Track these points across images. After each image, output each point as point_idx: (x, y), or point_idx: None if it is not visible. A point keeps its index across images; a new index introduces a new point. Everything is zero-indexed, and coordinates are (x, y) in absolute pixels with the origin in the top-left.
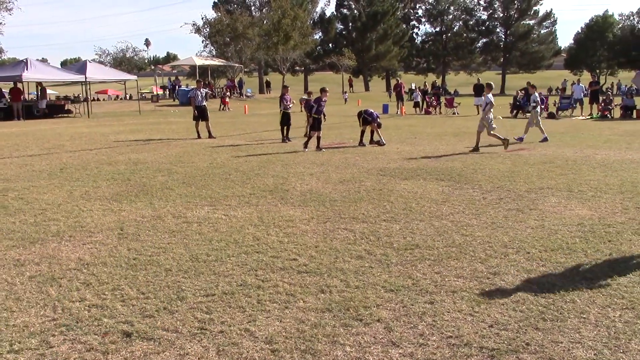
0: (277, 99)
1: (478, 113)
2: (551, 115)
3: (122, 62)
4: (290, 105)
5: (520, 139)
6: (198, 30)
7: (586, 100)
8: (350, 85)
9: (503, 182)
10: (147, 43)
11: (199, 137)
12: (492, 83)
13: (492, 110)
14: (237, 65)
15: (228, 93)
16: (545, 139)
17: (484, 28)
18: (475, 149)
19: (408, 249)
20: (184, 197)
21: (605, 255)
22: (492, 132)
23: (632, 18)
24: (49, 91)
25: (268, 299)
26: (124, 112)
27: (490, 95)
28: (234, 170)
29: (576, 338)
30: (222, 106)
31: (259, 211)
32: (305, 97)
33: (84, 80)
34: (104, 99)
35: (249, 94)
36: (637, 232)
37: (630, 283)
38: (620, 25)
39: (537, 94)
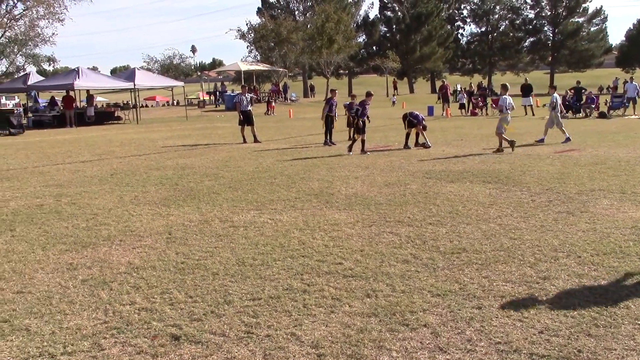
0: (322, 103)
1: (526, 113)
2: (602, 115)
3: (169, 69)
4: (336, 112)
5: (541, 140)
6: (243, 36)
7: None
8: (395, 88)
9: (552, 184)
10: (193, 50)
11: (244, 141)
12: (507, 84)
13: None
14: (281, 69)
15: (274, 97)
16: (567, 140)
17: (531, 27)
18: (511, 145)
19: (455, 253)
20: (230, 202)
21: None
22: (500, 133)
23: None
24: (99, 98)
25: (314, 303)
26: (171, 118)
27: (506, 97)
28: (279, 174)
29: (631, 345)
30: (268, 110)
31: (304, 215)
32: (348, 102)
33: (133, 87)
34: (152, 105)
35: (293, 98)
36: None
37: None
38: None
39: (556, 95)
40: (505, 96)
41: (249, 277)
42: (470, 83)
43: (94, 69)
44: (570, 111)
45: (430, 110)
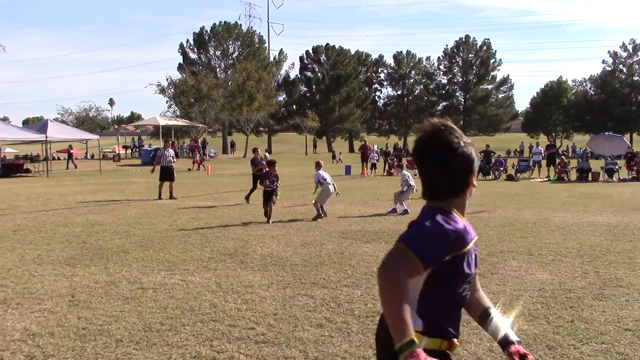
0: (241, 159)
1: None
2: (510, 177)
3: (84, 121)
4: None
5: (401, 211)
6: (163, 90)
7: (544, 162)
8: (315, 147)
9: None
10: (111, 102)
11: (160, 197)
12: (320, 161)
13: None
14: (201, 125)
15: (205, 155)
16: (394, 210)
17: (444, 92)
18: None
19: (369, 317)
20: (140, 261)
21: (567, 322)
22: (316, 203)
23: (584, 84)
24: (8, 149)
25: None
26: (84, 171)
27: (319, 172)
28: (193, 232)
29: None
30: (197, 166)
31: (217, 276)
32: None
33: (45, 139)
34: (64, 158)
35: (212, 155)
36: (597, 297)
37: (593, 352)
38: (574, 91)
39: (405, 172)
40: (319, 172)
41: (155, 344)
42: (387, 144)
43: (5, 119)
44: (480, 173)
45: (348, 170)
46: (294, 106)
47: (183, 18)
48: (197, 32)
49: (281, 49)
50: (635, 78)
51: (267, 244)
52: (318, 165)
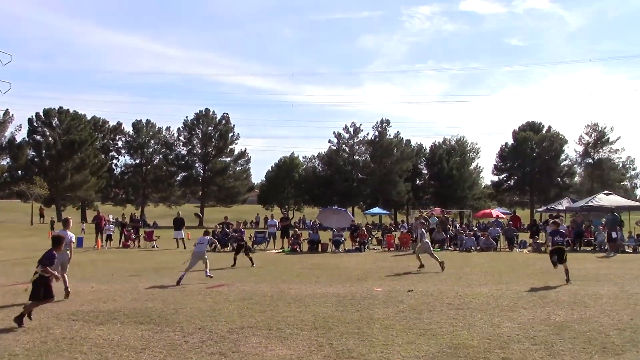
0: None
1: (177, 246)
2: (247, 250)
3: None
4: None
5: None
6: None
7: (278, 234)
8: (42, 216)
9: (205, 322)
10: None
11: None
12: (69, 218)
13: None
14: None
15: None
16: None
17: (183, 162)
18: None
19: None
20: None
21: None
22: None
23: (314, 161)
24: None
25: None
26: None
27: (66, 232)
28: None
29: None
30: None
31: None
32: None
33: None
34: None
35: None
36: None
37: None
38: (304, 167)
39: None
40: (66, 232)
41: None
42: (123, 214)
43: None
44: (219, 245)
45: (80, 242)
46: (20, 171)
47: None
48: None
49: (7, 109)
50: (356, 157)
51: None
52: (66, 223)
